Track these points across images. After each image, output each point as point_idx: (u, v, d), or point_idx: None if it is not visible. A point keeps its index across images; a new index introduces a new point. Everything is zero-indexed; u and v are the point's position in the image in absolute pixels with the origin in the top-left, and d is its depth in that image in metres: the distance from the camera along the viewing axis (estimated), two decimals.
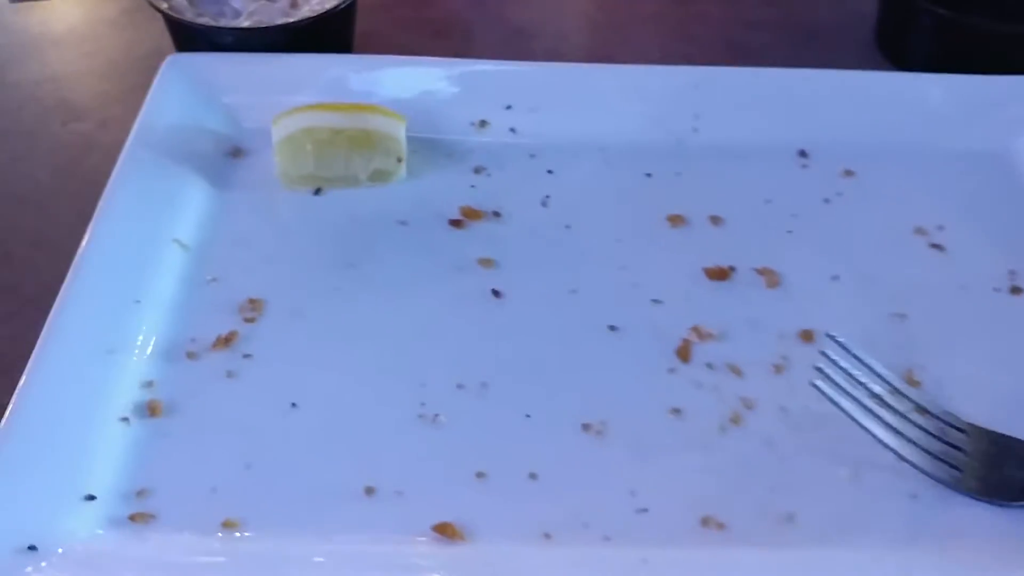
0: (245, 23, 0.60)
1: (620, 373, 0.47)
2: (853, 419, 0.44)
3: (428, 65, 0.60)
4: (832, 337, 0.46)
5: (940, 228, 0.55)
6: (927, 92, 0.60)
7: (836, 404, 0.44)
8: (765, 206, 0.56)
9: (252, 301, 0.49)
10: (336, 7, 0.60)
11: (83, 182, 0.55)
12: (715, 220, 0.55)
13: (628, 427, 0.45)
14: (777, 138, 0.59)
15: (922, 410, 0.45)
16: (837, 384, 0.45)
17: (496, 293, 0.50)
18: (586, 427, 0.44)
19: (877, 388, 0.45)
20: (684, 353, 0.48)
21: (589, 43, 0.71)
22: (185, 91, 0.58)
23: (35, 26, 0.71)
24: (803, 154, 0.59)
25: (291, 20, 0.60)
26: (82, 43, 0.69)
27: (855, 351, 0.46)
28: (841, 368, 0.45)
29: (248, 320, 0.48)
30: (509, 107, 0.59)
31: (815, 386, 0.44)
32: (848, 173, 0.58)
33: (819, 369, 0.44)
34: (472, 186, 0.56)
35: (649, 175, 0.57)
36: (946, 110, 0.60)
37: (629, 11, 0.74)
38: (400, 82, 0.59)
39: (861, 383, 0.45)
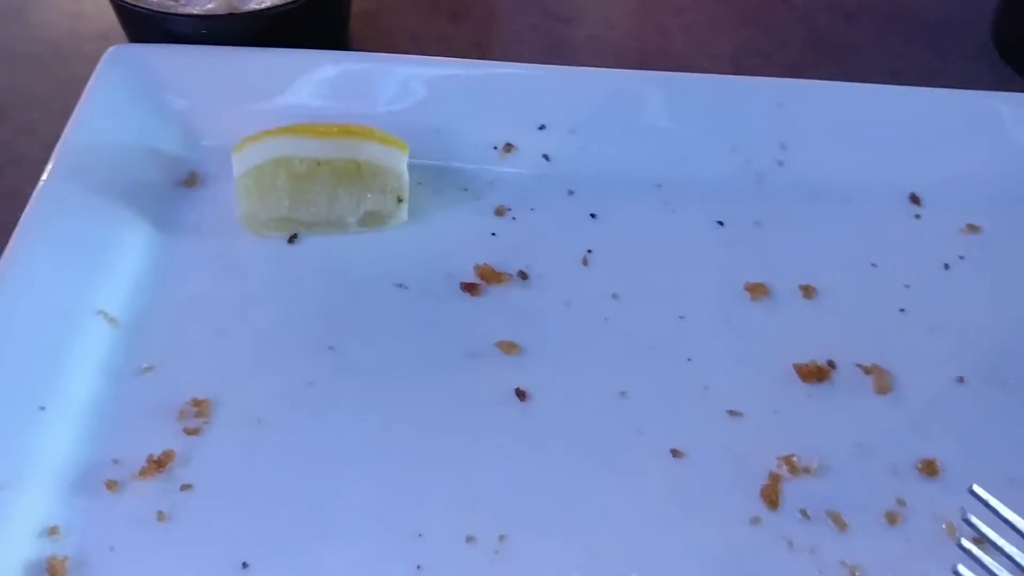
0: (209, 5, 0.47)
1: (687, 523, 0.35)
2: None
3: (437, 67, 0.46)
4: (975, 494, 0.34)
5: None
6: None
7: None
8: (870, 273, 0.43)
9: (198, 403, 0.37)
10: None
11: None
12: (807, 291, 0.42)
13: None
14: (883, 178, 0.46)
15: None
16: (977, 561, 0.33)
17: (520, 394, 0.38)
18: None
19: None
20: (771, 494, 0.36)
21: (640, 28, 0.58)
22: (128, 95, 0.45)
23: None
24: (915, 200, 0.46)
25: (267, 5, 0.46)
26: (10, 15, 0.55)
27: (998, 508, 0.34)
28: (991, 543, 0.33)
29: (190, 432, 0.36)
30: (542, 127, 0.46)
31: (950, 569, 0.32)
32: (971, 228, 0.45)
33: (965, 549, 0.33)
34: (492, 234, 0.44)
35: (721, 223, 0.45)
36: None
37: None
38: (400, 90, 0.46)
39: (1010, 558, 0.34)
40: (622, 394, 0.38)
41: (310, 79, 0.46)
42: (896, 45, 0.57)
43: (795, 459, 0.37)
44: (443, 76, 0.46)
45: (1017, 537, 0.34)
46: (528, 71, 0.47)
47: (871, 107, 0.47)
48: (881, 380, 0.40)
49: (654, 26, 0.58)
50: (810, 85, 0.47)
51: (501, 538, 0.34)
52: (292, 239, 0.43)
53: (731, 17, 0.58)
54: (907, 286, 0.43)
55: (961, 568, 0.32)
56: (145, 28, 0.47)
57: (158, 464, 0.35)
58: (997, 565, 0.33)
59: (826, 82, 0.47)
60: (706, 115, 0.46)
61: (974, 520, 0.34)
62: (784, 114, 0.47)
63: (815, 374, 0.40)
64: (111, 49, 0.46)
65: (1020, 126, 0.47)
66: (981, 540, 0.34)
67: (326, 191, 0.42)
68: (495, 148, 0.46)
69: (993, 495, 0.36)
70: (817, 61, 0.55)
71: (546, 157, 0.46)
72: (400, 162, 0.43)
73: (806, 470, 0.37)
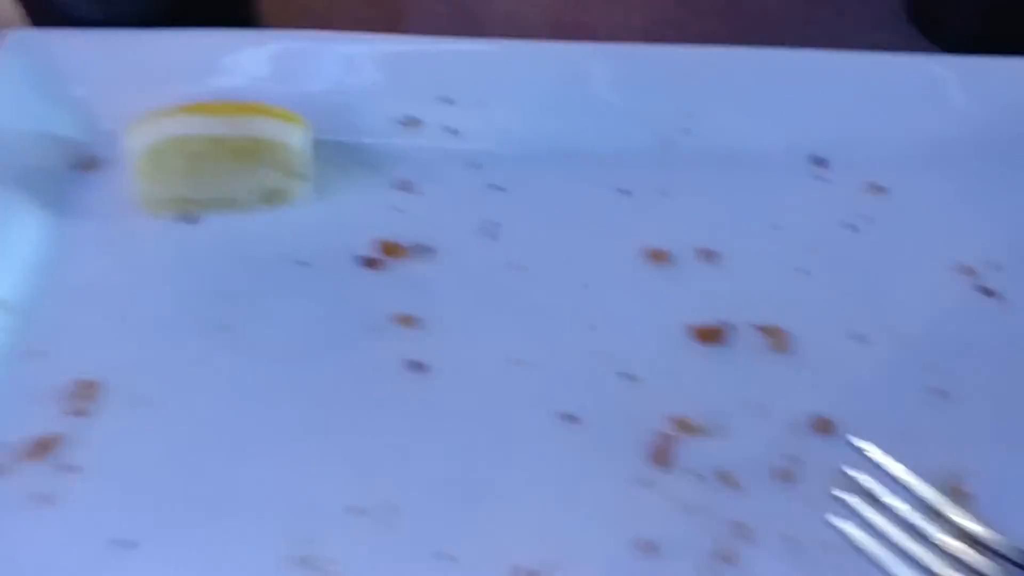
0: None
1: (579, 487, 0.35)
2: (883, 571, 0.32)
3: (339, 43, 0.46)
4: (852, 443, 0.35)
5: (996, 267, 0.43)
6: (979, 81, 0.47)
7: (861, 550, 0.33)
8: (772, 235, 0.43)
9: (86, 385, 0.36)
10: None
11: None
12: (708, 256, 0.42)
13: (584, 573, 0.33)
14: (789, 141, 0.46)
15: (975, 543, 0.34)
16: (861, 517, 0.33)
17: (416, 366, 0.38)
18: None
19: (915, 517, 0.34)
20: (663, 455, 0.36)
21: (555, 2, 0.58)
22: (26, 80, 0.44)
23: None
24: (820, 162, 0.46)
25: None
26: None
27: (885, 464, 0.35)
28: (867, 492, 0.34)
29: (78, 414, 0.36)
30: (447, 100, 0.46)
31: (832, 525, 0.33)
32: (876, 189, 0.45)
33: (837, 499, 0.33)
34: (395, 209, 0.44)
35: (626, 192, 0.45)
36: (1004, 105, 0.47)
37: None
38: (303, 67, 0.46)
39: (893, 512, 0.34)
40: (519, 363, 0.38)
41: (212, 59, 0.45)
42: (807, 15, 0.56)
43: (688, 420, 0.37)
44: (346, 52, 0.46)
45: (903, 490, 0.35)
46: (432, 45, 0.46)
47: (777, 72, 0.47)
48: (779, 340, 0.40)
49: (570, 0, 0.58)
50: (716, 52, 0.47)
51: (391, 509, 0.34)
52: (190, 219, 0.42)
53: None
54: (810, 248, 0.43)
55: (832, 518, 0.32)
56: (45, 13, 0.47)
57: (43, 447, 0.35)
58: (883, 518, 0.34)
59: (732, 48, 0.47)
60: (613, 85, 0.46)
61: (853, 473, 0.34)
62: (691, 82, 0.46)
63: (712, 336, 0.40)
64: (7, 34, 0.45)
65: (926, 87, 0.47)
66: (867, 493, 0.35)
67: (224, 170, 0.42)
68: (399, 122, 0.46)
69: (887, 450, 0.36)
70: (730, 30, 0.55)
71: (452, 130, 0.46)
72: (299, 139, 0.43)
73: (700, 431, 0.37)
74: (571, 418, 0.37)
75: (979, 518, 0.35)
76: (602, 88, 0.46)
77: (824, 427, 0.37)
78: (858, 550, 0.33)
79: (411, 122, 0.46)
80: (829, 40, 0.53)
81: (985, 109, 0.46)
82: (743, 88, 0.46)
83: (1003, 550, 0.33)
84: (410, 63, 0.46)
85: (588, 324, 0.40)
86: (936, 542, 0.34)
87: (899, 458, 0.36)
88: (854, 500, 0.34)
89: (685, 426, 0.37)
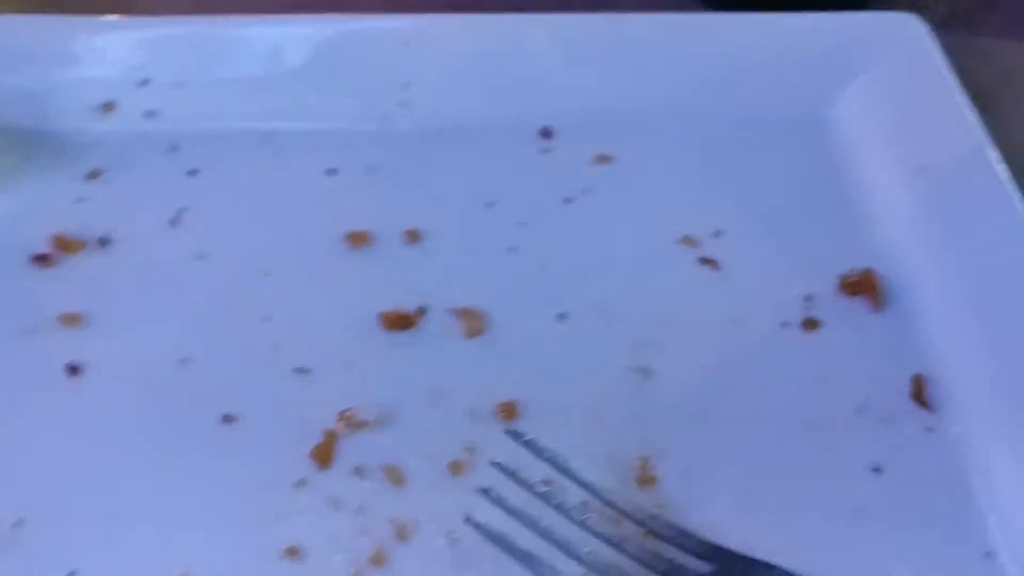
0: None
1: (223, 493, 0.33)
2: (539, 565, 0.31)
3: (26, 24, 0.43)
4: (518, 436, 0.33)
5: (716, 235, 0.41)
6: (709, 40, 0.45)
7: (513, 545, 0.31)
8: (484, 213, 0.41)
9: None
10: None
11: None
12: (412, 236, 0.40)
13: None
14: (514, 113, 0.44)
15: (649, 532, 0.32)
16: (520, 508, 0.32)
17: (71, 369, 0.36)
18: None
19: (586, 507, 0.32)
20: (324, 454, 0.34)
21: None
22: None
23: None
24: (546, 134, 0.44)
25: None
26: None
27: (551, 452, 0.33)
28: (532, 482, 0.32)
29: None
30: (145, 82, 0.43)
31: (472, 524, 0.31)
32: (602, 159, 0.43)
33: (485, 492, 0.31)
34: (79, 200, 0.41)
35: (332, 172, 0.42)
36: (733, 63, 0.45)
37: None
38: None
39: (558, 502, 0.32)
40: (183, 361, 0.36)
41: None
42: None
43: (355, 414, 0.35)
44: (32, 34, 0.43)
45: (575, 477, 0.33)
46: (128, 26, 0.44)
47: (504, 39, 0.45)
48: (473, 323, 0.38)
49: None
50: (434, 20, 0.45)
51: (15, 524, 0.32)
52: None
53: None
54: (523, 224, 0.41)
55: (484, 511, 0.31)
56: None
57: None
58: (550, 509, 0.32)
59: (451, 15, 0.45)
60: (321, 59, 0.44)
61: (520, 462, 0.33)
62: (408, 53, 0.44)
63: (401, 323, 0.37)
64: None
65: (659, 49, 0.45)
66: (550, 482, 0.33)
67: None
68: (93, 108, 0.43)
69: (578, 433, 0.35)
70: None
71: (150, 114, 0.43)
72: None
73: (370, 425, 0.35)
74: (231, 419, 0.35)
75: (664, 501, 0.33)
76: (309, 62, 0.44)
77: (508, 414, 0.35)
78: (512, 545, 0.31)
79: (107, 107, 0.43)
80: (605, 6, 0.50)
81: (715, 68, 0.45)
82: (465, 58, 0.44)
83: (674, 535, 0.32)
84: (99, 44, 0.43)
85: (264, 316, 0.37)
86: (601, 532, 0.32)
87: (589, 441, 0.35)
88: (516, 490, 0.33)
89: (353, 421, 0.35)
